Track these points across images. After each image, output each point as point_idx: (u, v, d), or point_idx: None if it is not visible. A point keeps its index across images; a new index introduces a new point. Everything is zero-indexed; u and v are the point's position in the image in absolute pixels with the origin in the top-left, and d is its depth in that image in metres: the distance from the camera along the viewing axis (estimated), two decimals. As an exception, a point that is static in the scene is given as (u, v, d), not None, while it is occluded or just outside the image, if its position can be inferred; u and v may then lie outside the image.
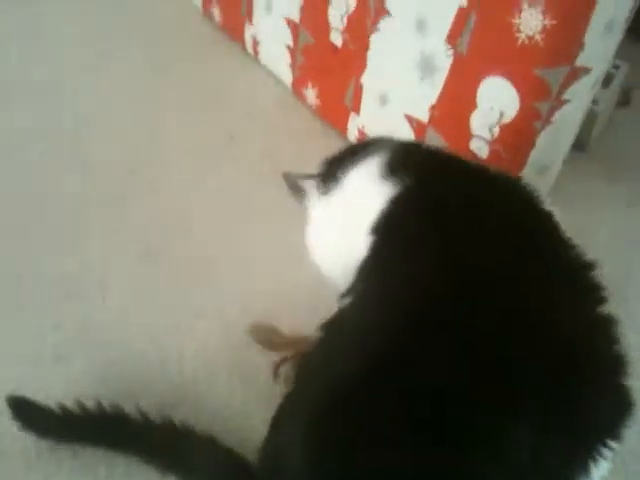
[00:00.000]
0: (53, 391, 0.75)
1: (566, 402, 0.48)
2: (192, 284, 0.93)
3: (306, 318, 0.82)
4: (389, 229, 0.63)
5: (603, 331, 0.54)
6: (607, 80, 1.16)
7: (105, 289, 0.91)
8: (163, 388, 0.80)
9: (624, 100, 1.36)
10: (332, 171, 0.76)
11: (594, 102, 1.14)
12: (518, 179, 0.68)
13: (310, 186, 0.79)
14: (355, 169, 0.72)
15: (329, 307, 0.67)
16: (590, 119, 1.14)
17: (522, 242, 0.57)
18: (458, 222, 0.59)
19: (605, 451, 0.49)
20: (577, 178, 1.16)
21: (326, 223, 0.76)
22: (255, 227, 1.03)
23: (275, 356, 0.80)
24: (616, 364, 0.53)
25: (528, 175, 0.98)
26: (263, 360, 0.82)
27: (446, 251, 0.56)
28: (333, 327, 0.61)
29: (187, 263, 0.96)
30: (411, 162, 0.69)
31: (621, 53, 1.17)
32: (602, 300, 0.56)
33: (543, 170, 0.97)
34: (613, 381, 0.52)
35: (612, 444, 0.49)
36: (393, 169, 0.67)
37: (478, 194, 0.62)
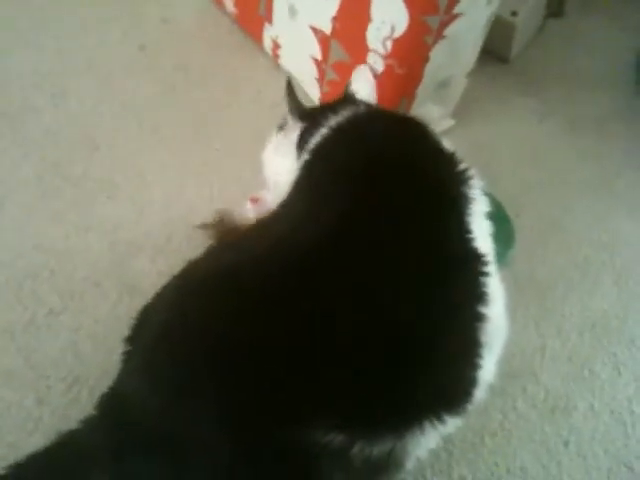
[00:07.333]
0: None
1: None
2: (90, 199, 0.94)
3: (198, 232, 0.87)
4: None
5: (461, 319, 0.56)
6: (528, -10, 1.13)
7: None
8: (51, 298, 0.82)
9: (557, 11, 1.32)
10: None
11: (513, 13, 1.12)
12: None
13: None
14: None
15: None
16: (507, 31, 1.12)
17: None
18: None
19: (434, 425, 0.52)
20: (494, 90, 1.16)
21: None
22: (162, 143, 1.03)
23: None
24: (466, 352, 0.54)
25: (428, 90, 0.98)
26: (151, 268, 0.86)
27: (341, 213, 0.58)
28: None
29: (86, 178, 0.96)
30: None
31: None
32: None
33: (443, 85, 0.97)
34: (458, 369, 0.54)
35: (440, 422, 0.52)
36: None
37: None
